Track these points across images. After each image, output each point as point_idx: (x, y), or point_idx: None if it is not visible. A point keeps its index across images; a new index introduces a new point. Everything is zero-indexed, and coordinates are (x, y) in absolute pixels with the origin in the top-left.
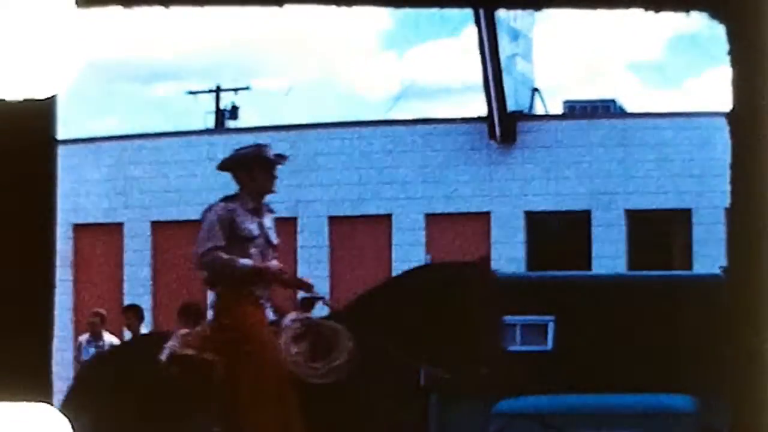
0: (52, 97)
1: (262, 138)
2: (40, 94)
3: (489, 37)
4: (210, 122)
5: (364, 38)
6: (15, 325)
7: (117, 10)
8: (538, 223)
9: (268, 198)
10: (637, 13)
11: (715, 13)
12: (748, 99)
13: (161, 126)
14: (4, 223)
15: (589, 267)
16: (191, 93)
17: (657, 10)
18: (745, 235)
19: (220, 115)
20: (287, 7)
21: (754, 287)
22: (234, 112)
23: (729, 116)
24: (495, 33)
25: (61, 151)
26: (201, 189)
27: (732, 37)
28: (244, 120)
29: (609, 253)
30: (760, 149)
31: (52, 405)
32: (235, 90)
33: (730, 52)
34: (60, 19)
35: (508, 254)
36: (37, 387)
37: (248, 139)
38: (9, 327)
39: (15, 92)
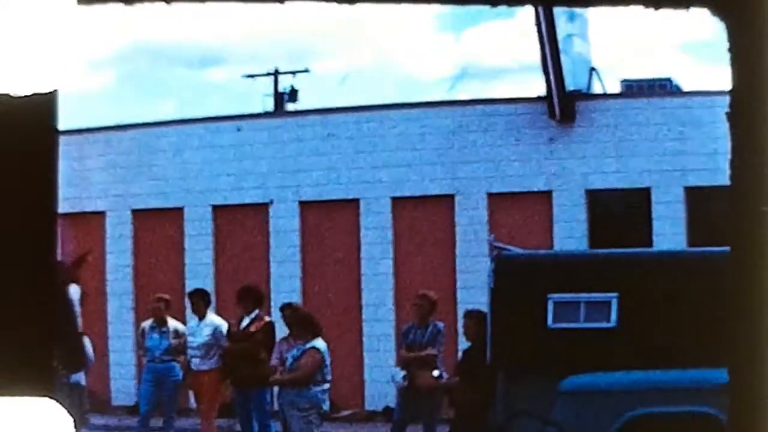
0: (54, 94)
1: (321, 120)
2: (42, 90)
3: (546, 17)
4: (269, 106)
5: (421, 20)
6: (17, 319)
7: (118, 7)
8: (599, 201)
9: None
10: (636, 10)
11: (716, 11)
12: (749, 97)
13: (219, 110)
14: (5, 218)
15: (650, 244)
16: (249, 77)
17: (657, 7)
18: (747, 220)
19: (279, 98)
20: (288, 4)
21: (756, 270)
22: (293, 94)
23: (729, 113)
24: (552, 13)
25: (119, 136)
26: (261, 173)
27: (732, 34)
28: (303, 103)
29: (669, 231)
30: (760, 147)
31: (54, 400)
32: (294, 73)
33: (730, 50)
34: (61, 15)
35: (571, 232)
36: (39, 382)
37: (308, 122)
38: (11, 321)
39: (16, 88)
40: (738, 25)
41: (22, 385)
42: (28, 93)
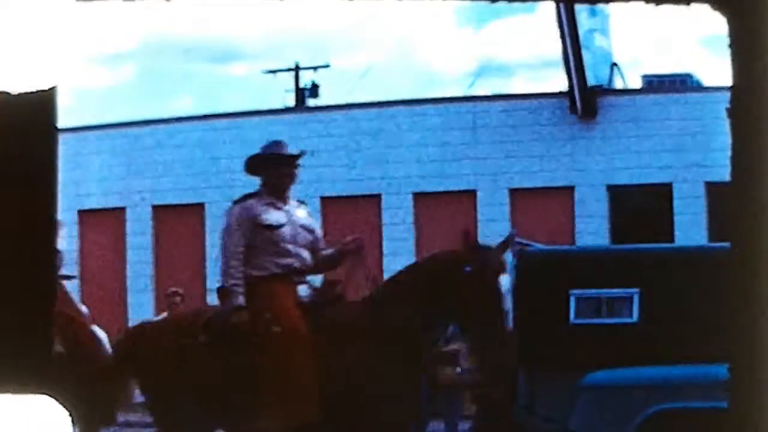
0: (53, 88)
1: (342, 115)
2: (42, 86)
3: (567, 12)
4: (290, 101)
5: (441, 15)
6: (17, 317)
7: (117, 4)
8: (620, 197)
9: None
10: (638, 7)
11: (716, 6)
12: (749, 90)
13: (240, 105)
14: (5, 217)
15: (672, 239)
16: (270, 72)
17: (658, 3)
18: (746, 215)
19: (300, 93)
20: (288, 2)
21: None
22: (314, 90)
23: (730, 107)
24: (573, 8)
25: (138, 132)
26: None
27: (732, 29)
28: (324, 98)
29: (691, 225)
30: (760, 139)
31: (53, 397)
32: (315, 68)
33: (731, 45)
34: (60, 12)
35: (592, 228)
36: (38, 380)
37: (329, 117)
38: (11, 320)
39: (17, 84)
40: (738, 20)
41: (22, 382)
42: (28, 90)
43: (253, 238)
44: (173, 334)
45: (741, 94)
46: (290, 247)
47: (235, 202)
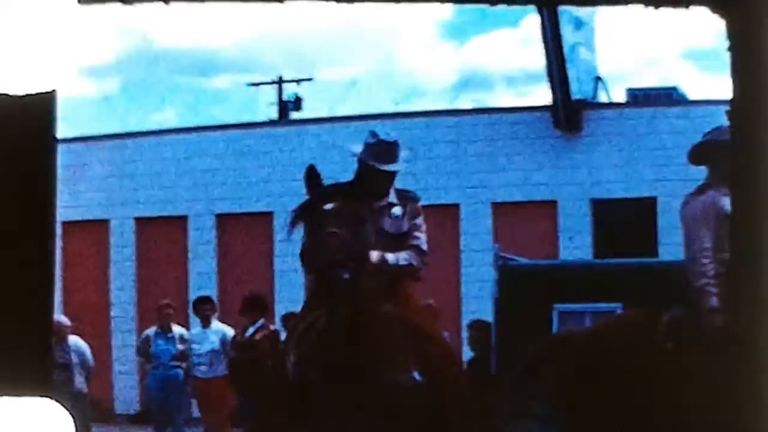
0: (53, 95)
1: (325, 128)
2: (42, 89)
3: (551, 25)
4: (273, 114)
5: (424, 28)
6: (16, 321)
7: (118, 8)
8: (604, 211)
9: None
10: (637, 10)
11: (715, 9)
12: (749, 93)
13: (223, 118)
14: (4, 222)
15: (655, 254)
16: (253, 85)
17: (657, 6)
18: (746, 228)
19: (283, 106)
20: (288, 4)
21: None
22: (297, 103)
23: (729, 109)
24: (557, 21)
25: (122, 144)
26: (265, 181)
27: (731, 31)
28: (307, 111)
29: (675, 240)
30: (759, 140)
31: (53, 400)
32: (298, 81)
33: (730, 48)
34: (62, 15)
35: (576, 242)
36: (38, 382)
37: (312, 130)
38: (10, 324)
39: (17, 88)
40: (737, 22)
41: (22, 385)
42: (28, 92)
43: (720, 231)
44: (622, 342)
45: (740, 94)
46: None
47: (693, 195)
